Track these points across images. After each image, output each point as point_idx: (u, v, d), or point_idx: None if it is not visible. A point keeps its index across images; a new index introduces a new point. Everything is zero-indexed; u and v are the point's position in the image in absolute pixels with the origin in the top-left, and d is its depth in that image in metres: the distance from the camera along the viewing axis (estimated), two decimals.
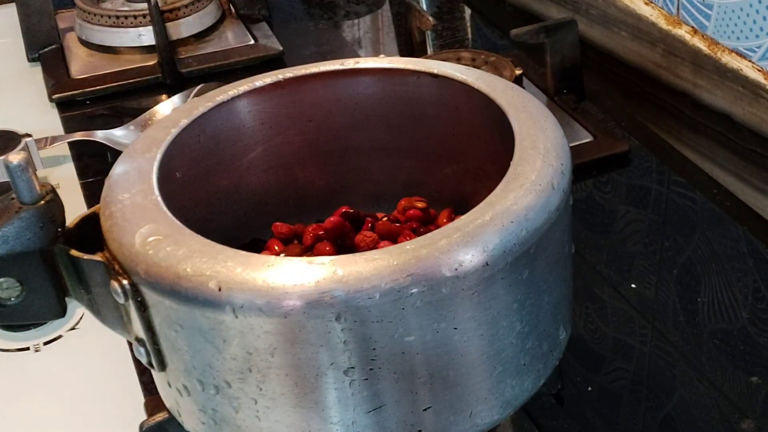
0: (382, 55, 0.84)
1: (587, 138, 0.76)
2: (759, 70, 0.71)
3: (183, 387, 0.43)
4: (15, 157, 0.41)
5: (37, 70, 0.94)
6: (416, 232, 0.49)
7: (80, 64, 0.92)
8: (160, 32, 0.88)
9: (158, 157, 0.46)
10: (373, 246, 0.47)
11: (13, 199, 0.42)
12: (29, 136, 0.77)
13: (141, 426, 0.49)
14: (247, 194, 0.53)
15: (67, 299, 0.45)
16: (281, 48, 0.93)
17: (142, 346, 0.43)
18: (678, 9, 0.77)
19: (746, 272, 0.62)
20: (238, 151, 0.52)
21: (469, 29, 1.01)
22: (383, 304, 0.38)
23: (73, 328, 0.62)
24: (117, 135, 0.80)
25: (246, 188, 0.53)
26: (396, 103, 0.53)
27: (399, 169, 0.55)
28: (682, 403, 0.54)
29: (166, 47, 0.89)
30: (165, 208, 0.42)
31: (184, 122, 0.48)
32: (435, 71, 0.50)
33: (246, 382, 0.40)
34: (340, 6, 1.05)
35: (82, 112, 0.87)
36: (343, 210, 0.50)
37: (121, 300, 0.41)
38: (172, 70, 0.89)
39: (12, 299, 0.44)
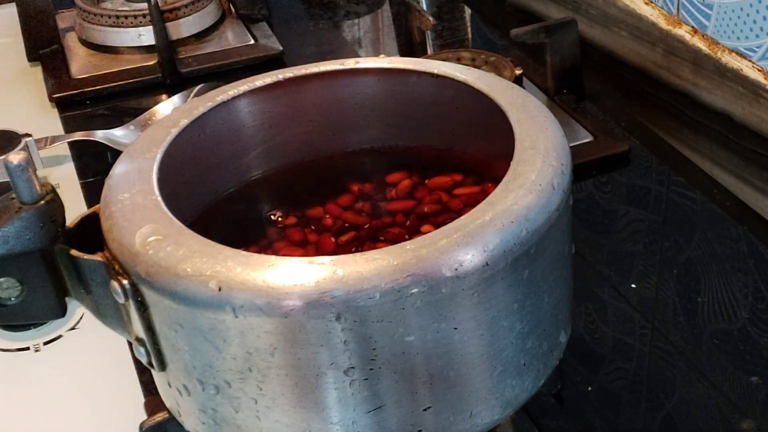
0: (382, 55, 0.84)
1: (587, 138, 0.76)
2: (759, 70, 0.71)
3: (183, 387, 0.43)
4: (15, 157, 0.41)
5: (37, 70, 0.94)
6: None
7: (80, 64, 0.92)
8: (160, 32, 0.88)
9: (158, 157, 0.46)
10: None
11: (13, 199, 0.42)
12: (29, 136, 0.77)
13: (141, 426, 0.49)
14: (247, 194, 0.53)
15: (67, 299, 0.45)
16: (281, 48, 0.93)
17: (142, 346, 0.43)
18: (678, 9, 0.77)
19: (746, 272, 0.62)
20: (238, 151, 0.52)
21: (469, 29, 1.01)
22: (383, 304, 0.38)
23: (73, 328, 0.62)
24: (117, 135, 0.80)
25: (246, 188, 0.53)
26: (396, 103, 0.53)
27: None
28: (682, 403, 0.54)
29: (166, 47, 0.89)
30: (165, 208, 0.42)
31: (184, 122, 0.48)
32: (435, 71, 0.50)
33: (246, 382, 0.40)
34: (340, 6, 1.05)
35: (82, 112, 0.87)
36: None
37: (121, 300, 0.41)
38: (172, 70, 0.89)
39: (12, 299, 0.44)
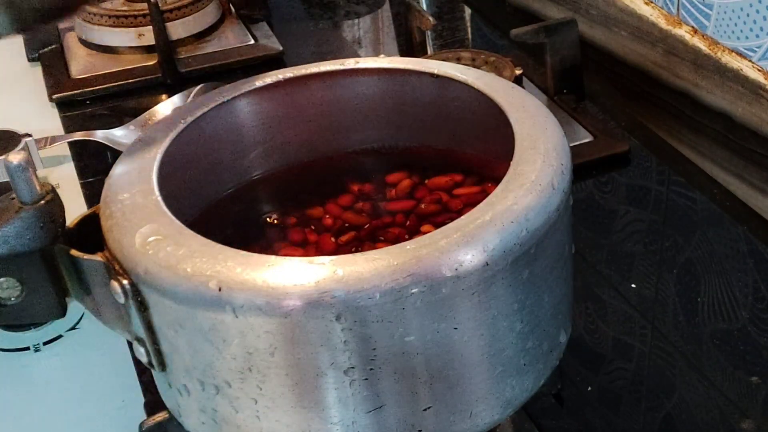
0: (382, 55, 0.84)
1: (587, 138, 0.76)
2: (759, 70, 0.71)
3: (183, 387, 0.43)
4: (15, 157, 0.41)
5: (37, 70, 0.94)
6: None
7: (80, 64, 0.92)
8: (160, 32, 0.88)
9: (158, 157, 0.46)
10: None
11: (13, 199, 0.42)
12: (29, 136, 0.77)
13: (141, 426, 0.49)
14: (247, 194, 0.53)
15: (67, 299, 0.45)
16: (281, 48, 0.93)
17: (142, 346, 0.43)
18: (678, 9, 0.77)
19: (746, 272, 0.62)
20: (238, 151, 0.52)
21: (469, 29, 1.01)
22: (383, 304, 0.38)
23: (73, 328, 0.62)
24: (117, 135, 0.80)
25: (246, 188, 0.53)
26: (396, 103, 0.53)
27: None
28: (682, 403, 0.54)
29: (166, 47, 0.89)
30: (165, 208, 0.42)
31: (184, 122, 0.48)
32: (435, 71, 0.50)
33: (246, 381, 0.40)
34: (340, 6, 1.05)
35: (82, 112, 0.87)
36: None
37: (121, 300, 0.41)
38: (172, 70, 0.89)
39: (12, 299, 0.44)
